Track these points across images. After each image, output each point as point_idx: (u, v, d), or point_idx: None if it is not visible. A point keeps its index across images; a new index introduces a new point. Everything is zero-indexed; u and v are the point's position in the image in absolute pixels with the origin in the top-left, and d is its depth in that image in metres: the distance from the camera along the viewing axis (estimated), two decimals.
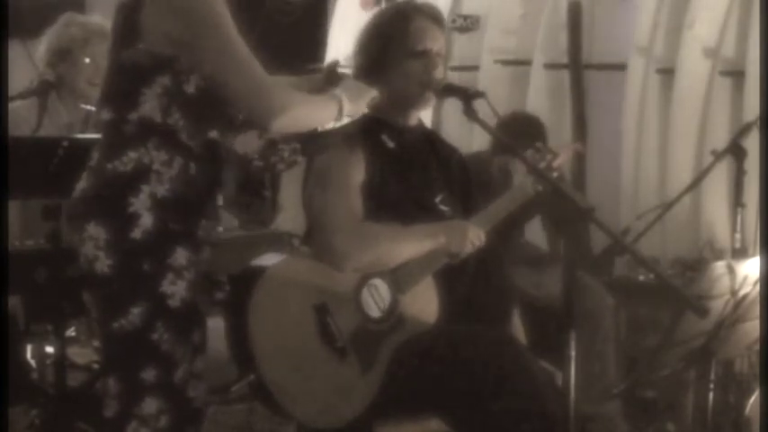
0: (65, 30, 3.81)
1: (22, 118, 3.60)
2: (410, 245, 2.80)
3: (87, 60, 3.79)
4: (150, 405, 2.46)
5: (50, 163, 3.15)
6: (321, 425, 2.77)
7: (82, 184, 2.50)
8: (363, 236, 2.77)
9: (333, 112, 2.63)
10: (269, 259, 2.86)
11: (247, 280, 2.76)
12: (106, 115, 2.50)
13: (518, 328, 2.99)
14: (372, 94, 2.75)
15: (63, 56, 3.77)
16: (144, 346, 2.44)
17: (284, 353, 2.74)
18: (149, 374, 2.45)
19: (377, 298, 2.76)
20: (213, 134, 2.53)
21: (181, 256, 2.46)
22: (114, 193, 2.43)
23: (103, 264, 2.42)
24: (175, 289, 2.45)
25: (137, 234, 2.41)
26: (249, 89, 2.43)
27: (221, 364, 2.74)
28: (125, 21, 2.48)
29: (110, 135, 2.48)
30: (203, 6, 2.41)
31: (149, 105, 2.43)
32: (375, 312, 2.75)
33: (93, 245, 2.42)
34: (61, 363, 3.27)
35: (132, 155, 2.43)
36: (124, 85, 2.47)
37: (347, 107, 2.64)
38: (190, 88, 2.44)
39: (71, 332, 3.84)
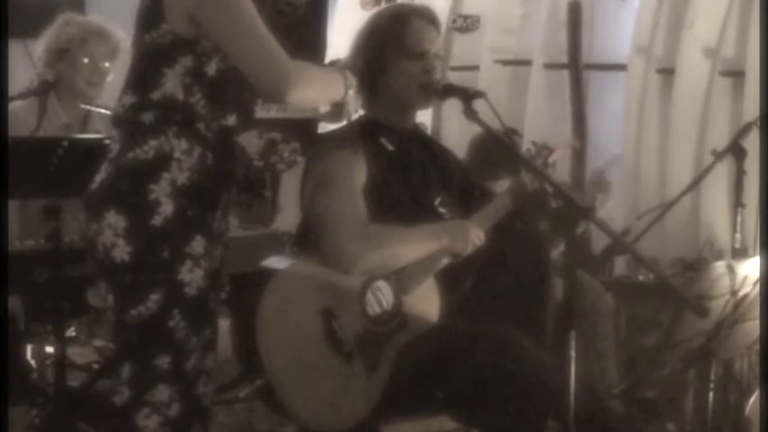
0: (63, 29, 3.80)
1: (21, 120, 3.59)
2: (416, 246, 2.79)
3: (86, 60, 3.79)
4: (162, 392, 2.46)
5: (50, 163, 3.14)
6: (328, 428, 2.75)
7: (101, 176, 2.50)
8: (371, 238, 2.76)
9: (341, 88, 2.63)
10: (274, 262, 2.84)
11: (252, 281, 2.75)
12: (128, 100, 2.51)
13: None
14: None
15: (61, 56, 3.77)
16: (160, 333, 2.45)
17: (292, 357, 2.72)
18: (163, 361, 2.46)
19: (381, 300, 2.76)
20: (230, 120, 2.55)
21: (199, 244, 2.47)
22: (135, 181, 2.44)
23: (123, 251, 2.42)
24: (193, 277, 2.46)
25: (157, 221, 2.42)
26: (267, 61, 2.44)
27: (221, 363, 2.73)
28: (148, 7, 2.50)
29: (130, 125, 2.49)
30: None
31: (171, 84, 2.46)
32: (379, 314, 2.75)
33: (113, 233, 2.43)
34: (61, 363, 3.25)
35: (153, 143, 2.45)
36: (147, 67, 2.49)
37: (353, 83, 2.64)
38: (210, 71, 2.47)
39: (71, 332, 3.84)
